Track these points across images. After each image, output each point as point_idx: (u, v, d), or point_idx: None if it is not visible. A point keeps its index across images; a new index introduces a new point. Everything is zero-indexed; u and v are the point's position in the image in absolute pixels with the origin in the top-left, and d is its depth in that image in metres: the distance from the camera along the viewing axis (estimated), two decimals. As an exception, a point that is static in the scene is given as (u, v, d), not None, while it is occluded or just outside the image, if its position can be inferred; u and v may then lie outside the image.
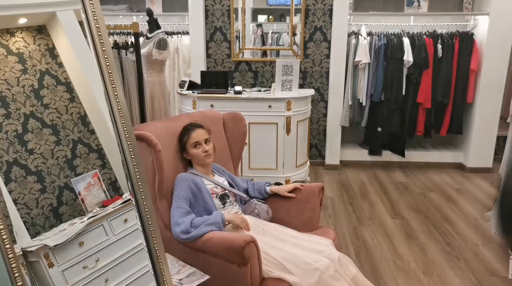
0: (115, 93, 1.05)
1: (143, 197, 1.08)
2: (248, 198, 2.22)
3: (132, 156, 1.06)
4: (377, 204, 3.68)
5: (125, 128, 1.06)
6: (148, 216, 1.08)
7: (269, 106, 3.58)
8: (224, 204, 2.06)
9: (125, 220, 2.23)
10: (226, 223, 1.92)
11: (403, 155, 4.64)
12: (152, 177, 1.89)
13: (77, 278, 2.13)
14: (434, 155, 4.77)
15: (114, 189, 2.62)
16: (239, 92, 3.63)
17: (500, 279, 2.48)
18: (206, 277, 1.69)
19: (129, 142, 1.05)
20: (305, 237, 1.98)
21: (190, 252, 1.87)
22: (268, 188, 2.28)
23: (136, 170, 1.07)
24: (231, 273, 1.74)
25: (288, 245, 1.88)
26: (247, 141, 3.59)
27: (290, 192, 2.25)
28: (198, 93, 3.59)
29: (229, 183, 2.20)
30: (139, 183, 1.09)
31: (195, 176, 2.03)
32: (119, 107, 1.04)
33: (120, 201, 2.29)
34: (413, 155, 4.76)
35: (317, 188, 2.21)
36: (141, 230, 2.04)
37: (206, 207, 1.97)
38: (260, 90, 3.87)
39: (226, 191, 2.11)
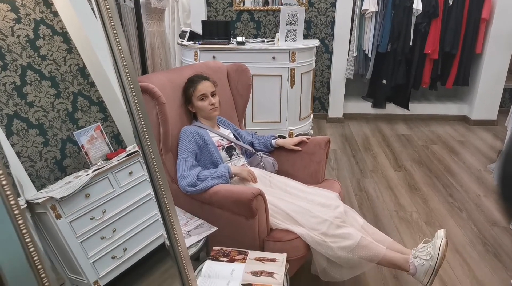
0: (117, 39, 0.98)
1: (150, 150, 1.04)
2: (253, 151, 2.20)
3: (138, 107, 1.01)
4: (380, 156, 3.68)
5: (129, 77, 1.00)
6: (156, 168, 1.05)
7: (273, 58, 3.48)
8: (230, 156, 2.05)
9: (130, 173, 2.23)
10: (233, 176, 1.92)
11: (407, 107, 4.59)
12: (156, 130, 1.85)
13: (85, 229, 2.17)
14: (438, 108, 4.72)
15: (117, 142, 2.59)
16: (241, 43, 3.50)
17: (501, 229, 2.53)
18: (214, 228, 1.71)
19: (134, 93, 1.00)
20: (312, 190, 1.98)
21: (197, 205, 1.88)
22: (273, 141, 2.26)
23: (142, 122, 1.03)
24: (238, 225, 1.75)
25: (294, 198, 1.88)
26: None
27: (296, 145, 2.23)
28: (200, 44, 3.47)
29: (234, 136, 2.17)
30: (146, 136, 1.05)
31: (200, 128, 2.00)
32: (122, 56, 0.98)
33: (124, 154, 2.28)
34: (417, 108, 4.70)
35: (324, 141, 2.19)
36: (149, 181, 2.04)
37: (212, 160, 1.95)
38: (263, 41, 3.74)
39: (232, 144, 2.09)
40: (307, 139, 2.24)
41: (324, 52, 4.48)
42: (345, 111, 4.69)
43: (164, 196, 1.08)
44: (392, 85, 4.41)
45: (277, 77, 3.55)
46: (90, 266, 2.19)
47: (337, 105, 4.60)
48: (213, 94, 2.02)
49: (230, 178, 1.87)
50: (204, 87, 1.99)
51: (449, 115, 4.70)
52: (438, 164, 3.51)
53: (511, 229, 2.52)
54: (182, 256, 1.12)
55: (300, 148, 2.22)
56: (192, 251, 1.59)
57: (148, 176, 1.11)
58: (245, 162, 2.12)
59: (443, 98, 4.88)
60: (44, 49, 2.21)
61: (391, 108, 4.71)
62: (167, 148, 1.90)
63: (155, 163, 1.05)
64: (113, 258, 2.29)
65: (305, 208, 1.78)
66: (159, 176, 1.05)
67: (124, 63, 0.98)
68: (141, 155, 1.08)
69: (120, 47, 0.98)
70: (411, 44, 4.20)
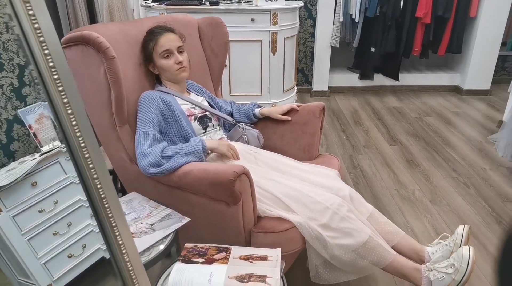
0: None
1: (80, 139, 0.64)
2: (234, 122, 1.80)
3: (54, 72, 0.60)
4: (372, 130, 3.35)
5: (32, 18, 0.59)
6: (90, 164, 0.65)
7: (252, 20, 3.04)
8: (205, 128, 1.64)
9: (84, 155, 1.81)
10: (209, 151, 1.52)
11: (397, 78, 4.26)
12: (106, 95, 1.42)
13: (32, 224, 1.75)
14: (429, 78, 4.41)
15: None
16: (215, 3, 3.05)
17: (515, 205, 2.25)
18: (186, 219, 1.31)
19: (45, 48, 0.58)
20: (308, 167, 1.60)
21: (164, 190, 1.48)
22: (257, 111, 1.87)
23: (60, 86, 0.62)
24: (217, 214, 1.37)
25: (288, 178, 1.50)
26: (226, 62, 3.10)
27: (284, 114, 1.84)
28: (166, 5, 2.99)
29: (209, 104, 1.76)
30: (71, 118, 0.65)
31: (165, 94, 1.58)
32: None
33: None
34: (407, 79, 4.39)
35: (318, 108, 1.81)
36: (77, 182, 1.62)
37: (181, 133, 1.54)
38: (240, 1, 3.28)
39: (207, 113, 1.68)
40: (298, 106, 1.85)
41: (307, 18, 4.07)
42: (330, 83, 4.33)
43: (99, 184, 0.67)
44: (381, 53, 4.06)
45: (257, 43, 3.12)
46: (41, 268, 1.79)
47: (322, 77, 4.23)
48: (180, 50, 1.59)
49: (205, 154, 1.47)
50: (168, 40, 1.56)
51: (440, 85, 4.40)
52: (436, 136, 3.20)
53: (527, 205, 2.23)
54: (134, 276, 0.73)
55: (289, 118, 1.83)
56: (155, 252, 1.19)
57: (77, 173, 0.70)
58: (224, 136, 1.72)
59: (433, 67, 4.58)
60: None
61: (380, 80, 4.37)
62: (122, 118, 1.47)
63: (87, 155, 0.64)
64: (69, 257, 1.90)
65: (301, 191, 1.41)
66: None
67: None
68: (65, 144, 0.68)
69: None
70: (401, 7, 3.83)
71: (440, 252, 1.45)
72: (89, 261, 1.92)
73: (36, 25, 0.57)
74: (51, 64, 0.59)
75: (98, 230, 0.72)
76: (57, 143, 2.00)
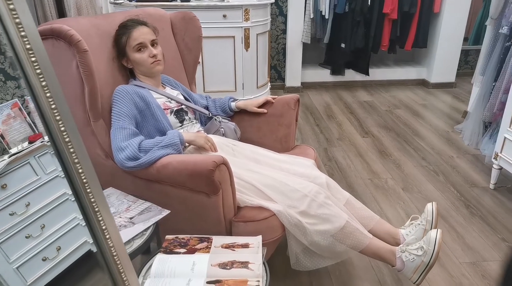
0: None
1: (60, 123, 0.63)
2: (210, 115, 1.80)
3: (31, 55, 0.60)
4: (344, 124, 3.43)
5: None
6: (71, 148, 0.65)
7: (224, 16, 3.04)
8: (181, 121, 1.63)
9: (56, 154, 1.76)
10: (186, 144, 1.52)
11: (367, 73, 4.37)
12: (79, 90, 1.40)
13: (4, 227, 1.69)
14: (397, 72, 4.55)
15: (38, 118, 2.09)
16: (186, 0, 3.03)
17: (481, 189, 2.35)
18: (166, 212, 1.31)
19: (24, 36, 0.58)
20: (285, 158, 1.63)
21: (142, 184, 1.47)
22: (233, 104, 1.88)
23: (37, 69, 0.61)
24: (197, 205, 1.37)
25: (266, 168, 1.52)
26: (200, 59, 3.09)
27: (260, 107, 1.86)
28: (137, 1, 2.95)
29: (184, 97, 1.75)
30: (50, 101, 0.64)
31: (140, 88, 1.56)
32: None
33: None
34: (376, 73, 4.51)
35: (293, 100, 1.84)
36: (62, 176, 1.61)
37: (158, 127, 1.53)
38: (211, -2, 3.28)
39: (183, 106, 1.67)
40: (273, 99, 1.88)
41: (279, 15, 4.11)
42: (302, 79, 4.38)
43: (83, 177, 0.67)
44: (351, 49, 4.15)
45: (230, 39, 3.13)
46: (13, 272, 1.72)
47: (295, 73, 4.28)
48: (153, 43, 1.58)
49: (182, 147, 1.47)
50: (141, 34, 1.55)
51: (408, 79, 4.55)
52: (405, 128, 3.31)
53: (492, 189, 2.35)
54: (122, 270, 0.73)
55: (265, 110, 1.86)
56: (136, 244, 1.18)
57: (61, 168, 0.70)
58: (201, 129, 1.72)
59: (401, 62, 4.73)
60: None
61: (350, 75, 4.47)
62: (96, 113, 1.45)
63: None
64: (44, 260, 1.84)
65: (280, 180, 1.43)
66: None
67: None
68: (47, 137, 0.67)
69: None
70: (369, 3, 3.93)
71: (414, 233, 1.51)
72: (68, 261, 1.88)
73: (11, 6, 0.56)
74: (28, 46, 0.59)
75: (84, 223, 0.72)
76: (26, 144, 1.94)
